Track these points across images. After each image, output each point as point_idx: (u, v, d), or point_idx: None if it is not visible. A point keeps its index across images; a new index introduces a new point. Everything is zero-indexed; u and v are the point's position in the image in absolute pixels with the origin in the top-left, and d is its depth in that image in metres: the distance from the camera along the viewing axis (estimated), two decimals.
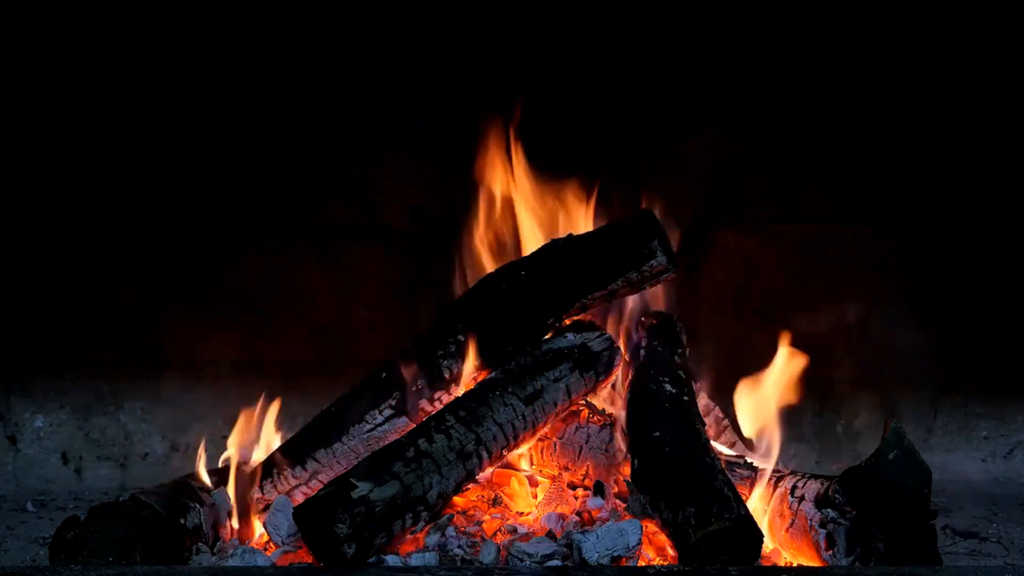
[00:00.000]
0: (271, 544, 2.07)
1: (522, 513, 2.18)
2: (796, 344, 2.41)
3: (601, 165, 2.62)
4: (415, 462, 1.94)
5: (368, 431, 2.22)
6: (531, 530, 2.06)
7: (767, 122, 3.08)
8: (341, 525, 1.82)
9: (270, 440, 2.34)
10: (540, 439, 2.28)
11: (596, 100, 2.98)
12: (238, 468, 2.28)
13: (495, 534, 2.04)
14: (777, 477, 2.12)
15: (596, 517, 2.10)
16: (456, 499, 2.09)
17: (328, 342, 3.09)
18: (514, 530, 2.05)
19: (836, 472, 1.98)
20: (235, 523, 2.14)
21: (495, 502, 2.18)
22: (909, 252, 3.14)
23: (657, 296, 2.51)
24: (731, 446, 2.44)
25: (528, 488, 2.24)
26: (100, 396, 3.12)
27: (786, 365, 2.34)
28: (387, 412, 2.23)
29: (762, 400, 2.32)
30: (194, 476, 2.19)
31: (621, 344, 2.35)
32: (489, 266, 2.47)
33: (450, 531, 1.99)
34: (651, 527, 1.97)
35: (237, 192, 3.10)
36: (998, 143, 3.08)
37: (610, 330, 2.34)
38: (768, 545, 2.03)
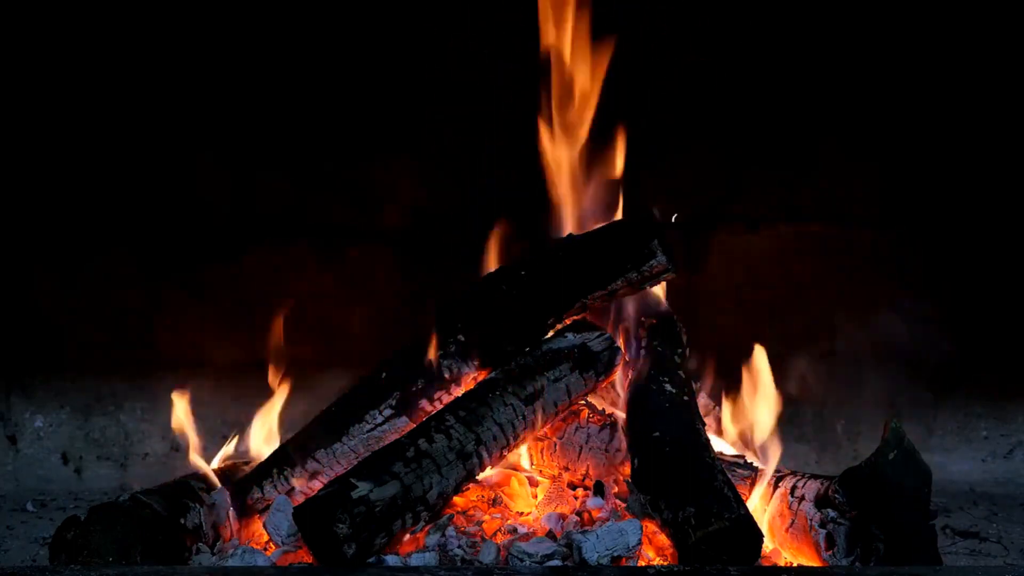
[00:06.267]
0: (271, 544, 2.07)
1: (522, 513, 2.18)
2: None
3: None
4: (415, 462, 1.94)
5: (368, 431, 2.22)
6: (531, 530, 2.06)
7: (769, 122, 3.08)
8: (341, 525, 1.82)
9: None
10: (540, 439, 2.28)
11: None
12: (236, 468, 2.28)
13: (495, 534, 2.04)
14: (777, 477, 2.12)
15: (596, 517, 2.10)
16: (456, 499, 2.09)
17: (328, 342, 3.09)
18: (514, 530, 2.05)
19: (836, 472, 1.98)
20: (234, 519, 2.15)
21: (495, 502, 2.18)
22: (909, 252, 3.15)
23: (657, 296, 2.51)
24: (731, 446, 2.44)
25: (528, 488, 2.24)
26: (100, 396, 3.12)
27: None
28: (387, 412, 2.23)
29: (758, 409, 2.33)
30: (194, 476, 2.19)
31: (621, 344, 2.35)
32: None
33: (450, 531, 1.99)
34: (651, 527, 1.97)
35: (237, 192, 3.11)
36: (999, 144, 3.09)
37: (610, 330, 2.34)
38: (768, 545, 2.03)
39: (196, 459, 2.22)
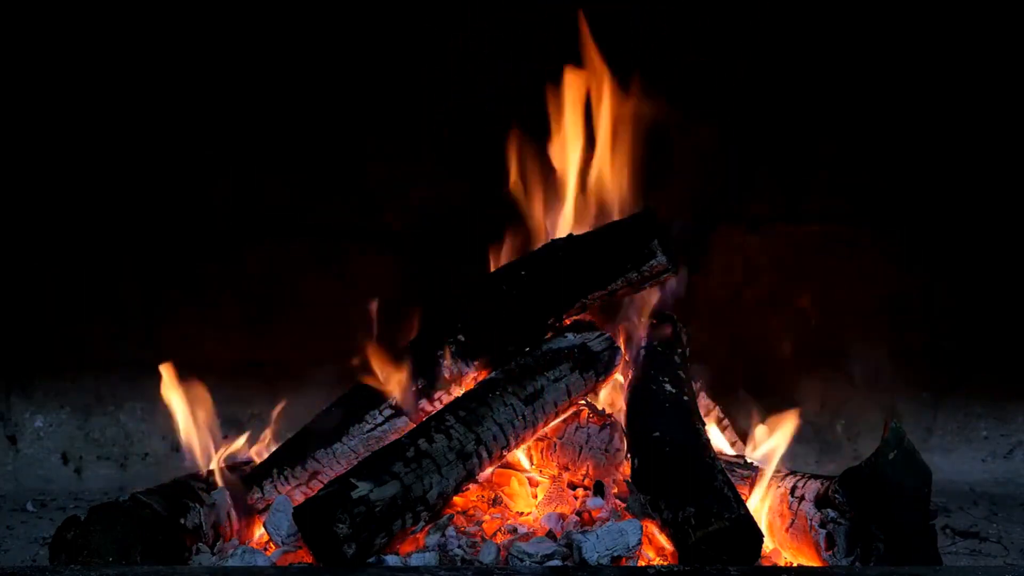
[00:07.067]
0: (271, 544, 2.07)
1: (522, 513, 2.18)
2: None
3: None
4: (415, 462, 1.94)
5: (368, 431, 2.22)
6: (531, 530, 2.06)
7: (769, 121, 3.08)
8: (341, 525, 1.82)
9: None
10: (540, 439, 2.28)
11: None
12: (237, 468, 2.28)
13: (495, 534, 2.04)
14: (777, 477, 2.12)
15: (596, 517, 2.10)
16: (456, 499, 2.09)
17: (328, 342, 3.08)
18: (514, 530, 2.05)
19: (836, 472, 1.98)
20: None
21: (495, 502, 2.18)
22: (909, 252, 3.15)
23: (657, 296, 2.51)
24: (731, 446, 2.44)
25: (528, 488, 2.24)
26: (100, 396, 3.12)
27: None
28: (387, 412, 2.23)
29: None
30: (194, 476, 2.19)
31: (621, 344, 2.35)
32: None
33: (450, 531, 1.99)
34: (651, 527, 1.97)
35: (237, 193, 3.11)
36: (999, 144, 3.09)
37: (610, 330, 2.34)
38: (768, 545, 2.03)
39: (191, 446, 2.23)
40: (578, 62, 2.53)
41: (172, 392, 2.28)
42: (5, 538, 2.53)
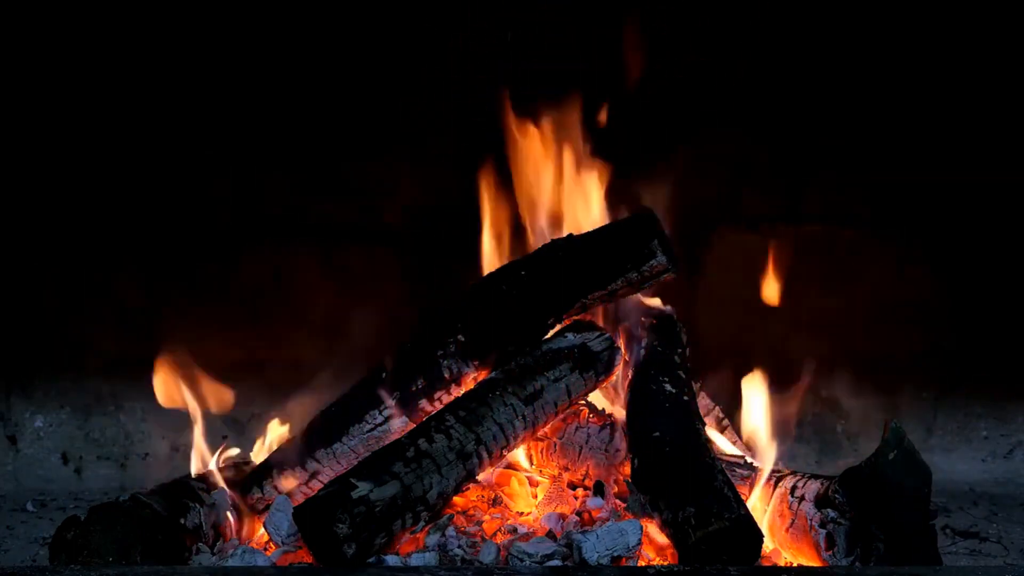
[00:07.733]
0: (271, 544, 2.07)
1: (522, 513, 2.18)
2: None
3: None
4: (415, 462, 1.94)
5: (368, 431, 2.22)
6: (531, 530, 2.06)
7: (769, 121, 3.08)
8: (341, 525, 1.82)
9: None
10: (540, 439, 2.28)
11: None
12: (237, 467, 2.28)
13: (495, 534, 2.04)
14: (777, 477, 2.12)
15: (596, 517, 2.10)
16: (456, 499, 2.09)
17: (328, 342, 3.09)
18: (514, 530, 2.05)
19: (836, 472, 1.98)
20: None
21: (495, 502, 2.18)
22: (909, 252, 3.15)
23: (658, 296, 2.51)
24: (731, 446, 2.44)
25: (528, 488, 2.24)
26: (100, 396, 3.12)
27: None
28: (387, 412, 2.23)
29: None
30: (194, 476, 2.19)
31: (621, 344, 2.35)
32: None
33: (450, 531, 1.99)
34: (651, 527, 1.97)
35: (237, 193, 3.11)
36: (999, 144, 3.09)
37: (610, 330, 2.34)
38: (768, 545, 2.03)
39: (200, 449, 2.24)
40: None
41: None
42: (5, 538, 2.53)
